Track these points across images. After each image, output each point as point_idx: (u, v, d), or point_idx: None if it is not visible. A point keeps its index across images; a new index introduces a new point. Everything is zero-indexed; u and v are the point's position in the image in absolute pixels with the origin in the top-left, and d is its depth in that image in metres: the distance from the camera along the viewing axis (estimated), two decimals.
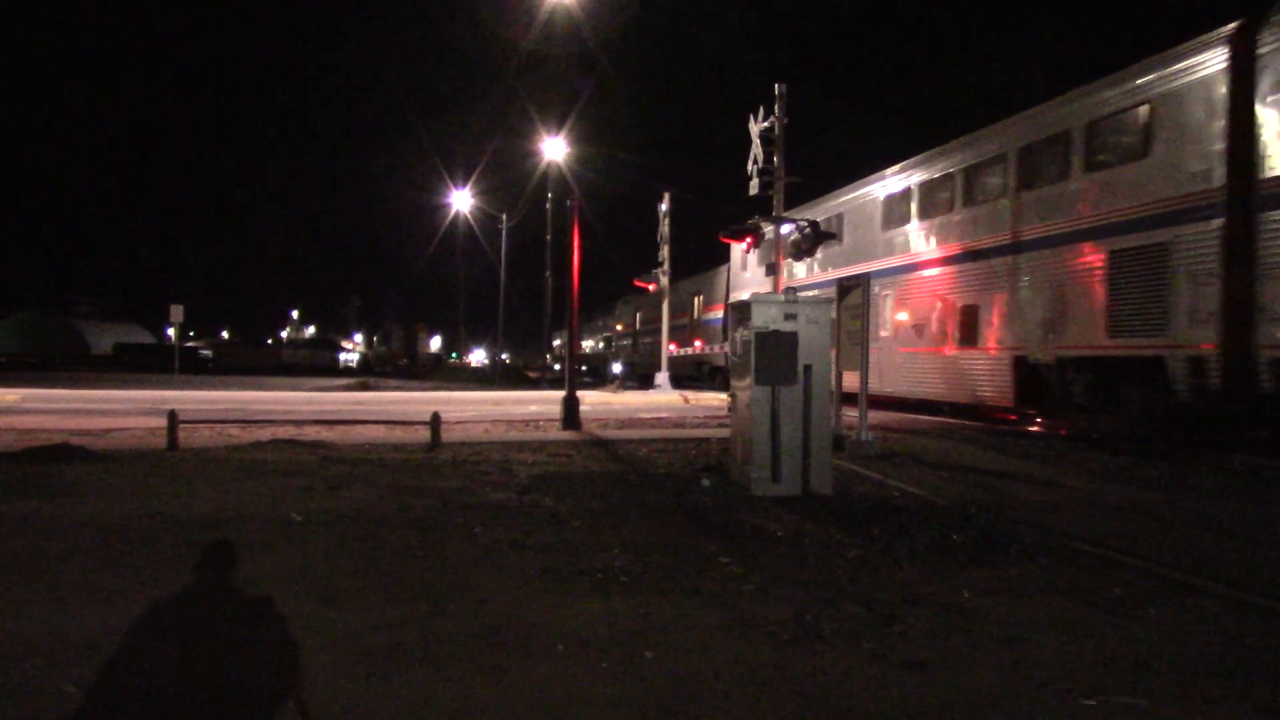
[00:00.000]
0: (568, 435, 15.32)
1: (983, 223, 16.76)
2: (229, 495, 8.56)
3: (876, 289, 18.53)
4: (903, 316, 19.24)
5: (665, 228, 35.13)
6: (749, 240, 19.64)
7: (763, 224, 19.44)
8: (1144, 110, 13.05)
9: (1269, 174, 11.16)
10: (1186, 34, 12.61)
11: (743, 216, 19.84)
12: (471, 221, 51.22)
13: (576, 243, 17.85)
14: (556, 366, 50.69)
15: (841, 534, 7.17)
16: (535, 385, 41.99)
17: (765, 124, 18.86)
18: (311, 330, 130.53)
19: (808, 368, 9.01)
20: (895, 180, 19.95)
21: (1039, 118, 15.51)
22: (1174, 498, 9.29)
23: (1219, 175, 11.64)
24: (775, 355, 8.95)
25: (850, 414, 13.47)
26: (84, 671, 4.05)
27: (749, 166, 19.20)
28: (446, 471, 10.39)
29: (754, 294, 11.57)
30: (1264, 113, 11.28)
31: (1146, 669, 4.23)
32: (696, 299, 37.63)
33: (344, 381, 41.94)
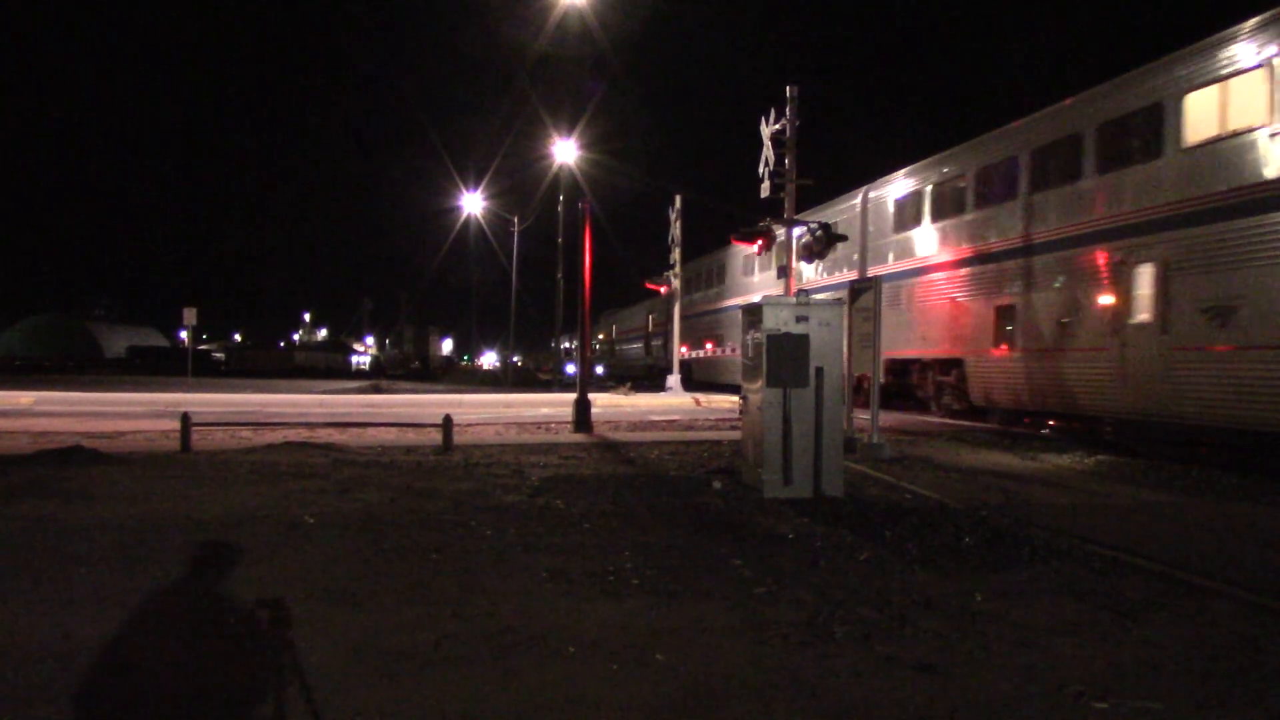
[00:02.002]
0: (579, 438, 15.33)
1: None
2: (241, 497, 8.60)
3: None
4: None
5: (676, 230, 35.08)
6: (760, 242, 19.60)
7: (774, 226, 19.40)
8: None
9: None
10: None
11: (754, 219, 19.80)
12: (484, 224, 51.33)
13: (588, 245, 17.87)
14: (570, 369, 51.13)
15: (853, 536, 7.15)
16: (547, 388, 42.03)
17: (776, 126, 18.82)
18: (324, 333, 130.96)
19: (819, 370, 9.00)
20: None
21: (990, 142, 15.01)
22: (1188, 500, 9.23)
23: None
24: (787, 358, 8.94)
25: (862, 416, 13.44)
26: (97, 673, 4.08)
27: (760, 169, 19.15)
28: (458, 474, 10.41)
29: (765, 296, 11.55)
30: None
31: (1160, 672, 4.20)
32: (614, 326, 55.38)
33: (356, 384, 42.08)
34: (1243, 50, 11.59)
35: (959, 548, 6.76)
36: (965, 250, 18.29)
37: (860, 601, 5.32)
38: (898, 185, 21.44)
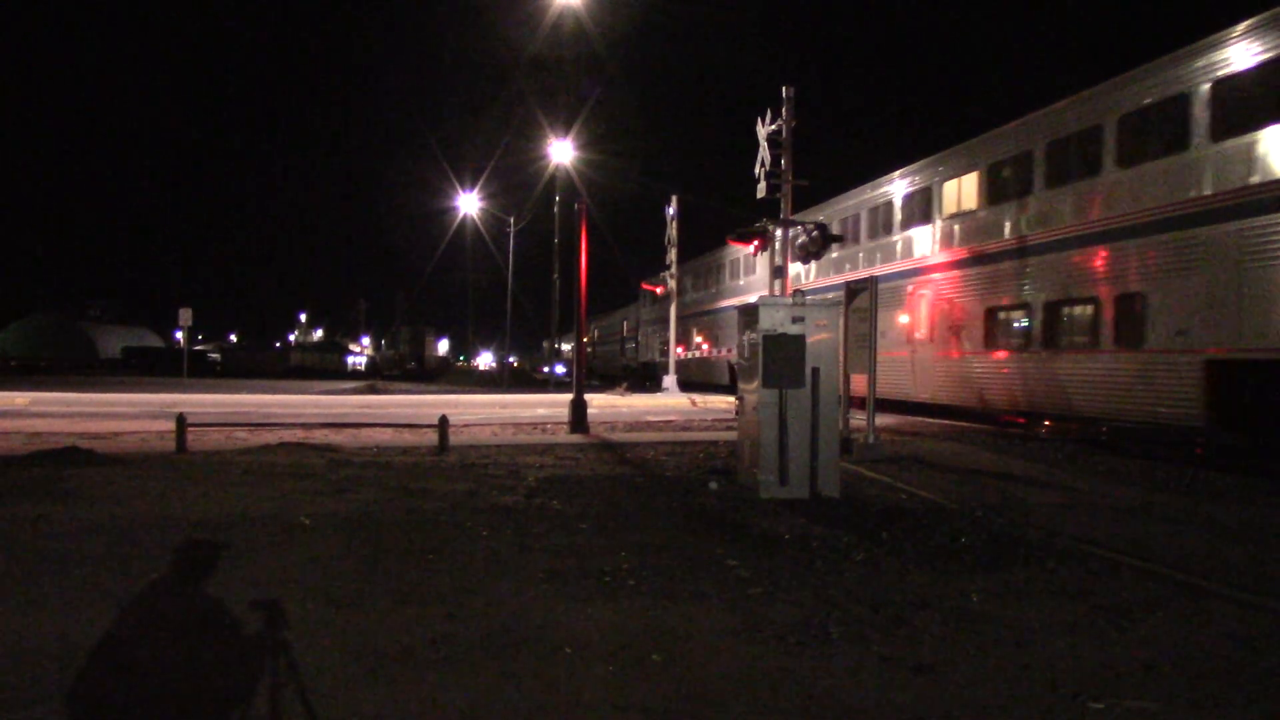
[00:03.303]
0: (575, 438, 15.33)
1: None
2: (237, 498, 8.59)
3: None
4: None
5: (672, 231, 35.10)
6: (757, 242, 19.62)
7: (770, 226, 19.42)
8: None
9: None
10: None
11: (750, 219, 19.82)
12: (479, 225, 51.35)
13: (584, 246, 17.86)
14: (559, 369, 51.41)
15: (849, 537, 7.16)
16: (543, 388, 42.02)
17: (773, 127, 18.84)
18: (319, 333, 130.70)
19: (815, 371, 9.00)
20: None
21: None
22: (1183, 500, 9.25)
23: None
24: (783, 358, 8.95)
25: (858, 417, 13.46)
26: (94, 674, 4.07)
27: (756, 170, 19.17)
28: (454, 474, 10.41)
29: (761, 297, 11.56)
30: None
31: (1155, 672, 4.21)
32: (595, 330, 63.99)
33: (352, 384, 42.03)
34: None
35: (955, 548, 6.77)
36: (894, 266, 20.40)
37: (856, 602, 5.32)
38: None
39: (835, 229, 21.47)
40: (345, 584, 5.61)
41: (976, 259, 17.45)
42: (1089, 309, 14.50)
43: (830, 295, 14.69)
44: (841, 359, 10.24)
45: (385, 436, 15.11)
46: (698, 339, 37.76)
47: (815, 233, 18.26)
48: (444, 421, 13.42)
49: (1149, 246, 13.03)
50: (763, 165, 19.00)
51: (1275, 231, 11.01)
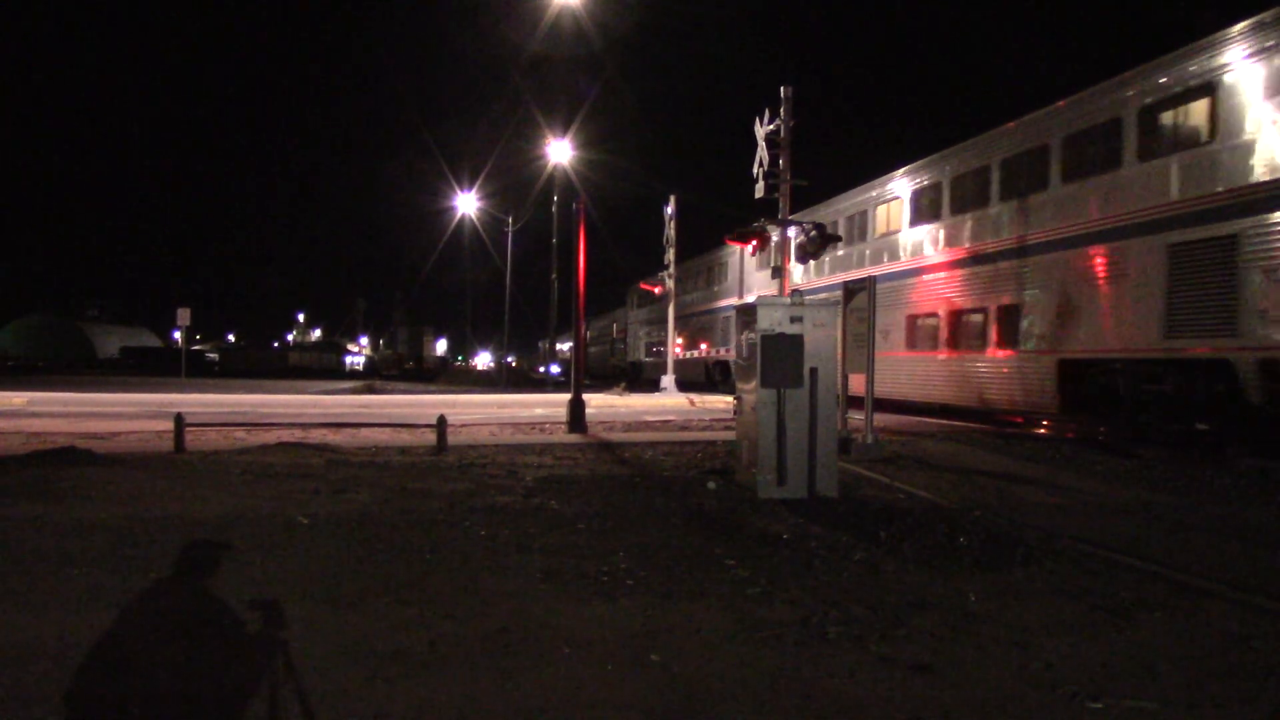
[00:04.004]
0: (574, 438, 15.32)
1: None
2: (235, 498, 8.58)
3: None
4: None
5: (671, 230, 35.10)
6: (755, 242, 19.63)
7: (768, 226, 19.43)
8: None
9: None
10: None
11: (748, 219, 19.85)
12: (478, 224, 51.30)
13: (582, 246, 17.85)
14: (554, 369, 51.69)
15: (847, 537, 7.16)
16: (541, 388, 42.02)
17: (771, 127, 18.85)
18: (318, 333, 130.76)
19: (813, 370, 9.00)
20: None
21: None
22: (1181, 500, 9.26)
23: None
24: (781, 358, 8.94)
25: (856, 417, 13.46)
26: (92, 673, 4.06)
27: (755, 170, 19.18)
28: (452, 474, 10.40)
29: (760, 296, 11.57)
30: None
31: (1154, 672, 4.21)
32: (587, 333, 62.37)
33: (350, 384, 41.99)
34: None
35: (953, 548, 6.77)
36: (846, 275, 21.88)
37: (854, 601, 5.32)
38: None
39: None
40: (343, 584, 5.61)
41: (898, 274, 21.00)
42: (979, 318, 18.02)
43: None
44: (840, 359, 10.25)
45: (383, 436, 15.10)
46: (679, 340, 38.32)
47: (813, 232, 18.28)
48: (442, 421, 13.42)
49: (1022, 267, 16.62)
50: (761, 165, 19.01)
51: (1095, 259, 14.59)
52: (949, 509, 8.47)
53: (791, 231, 19.62)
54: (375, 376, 62.01)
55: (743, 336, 9.67)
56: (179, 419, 12.83)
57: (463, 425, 16.96)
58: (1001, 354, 17.01)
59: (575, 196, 18.76)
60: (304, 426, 16.10)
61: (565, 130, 29.59)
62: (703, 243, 38.40)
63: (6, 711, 3.65)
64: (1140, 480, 10.61)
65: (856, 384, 13.41)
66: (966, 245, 18.35)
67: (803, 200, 24.30)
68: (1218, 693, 3.97)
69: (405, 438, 14.79)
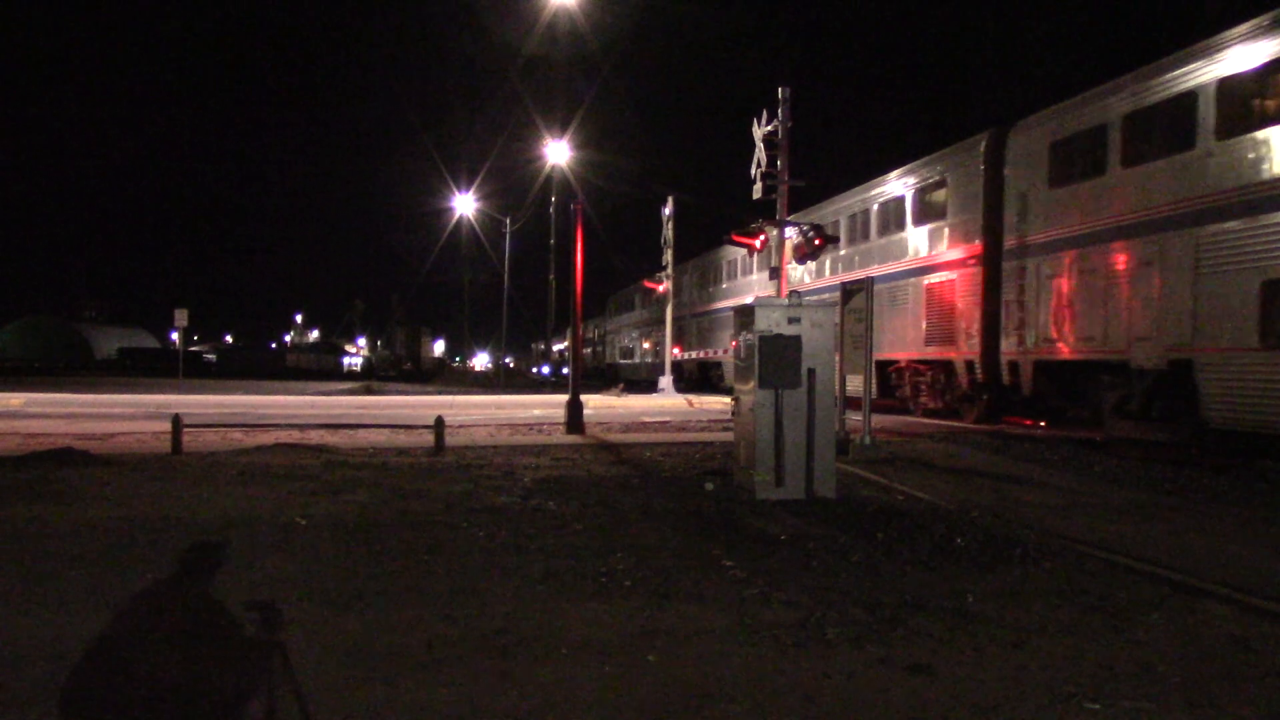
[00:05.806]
0: (571, 439, 15.32)
1: None
2: (233, 499, 8.57)
3: None
4: None
5: (669, 231, 35.10)
6: (763, 239, 19.64)
7: (767, 227, 19.42)
8: None
9: None
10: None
11: (746, 219, 19.84)
12: (475, 225, 51.35)
13: (580, 246, 17.83)
14: (545, 369, 52.06)
15: (845, 537, 7.16)
16: (539, 389, 42.01)
17: (769, 128, 18.83)
18: (315, 334, 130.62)
19: (811, 371, 9.00)
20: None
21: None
22: (1179, 501, 9.26)
23: None
24: (779, 359, 8.94)
25: (854, 418, 13.46)
26: (90, 674, 4.05)
27: (752, 170, 19.17)
28: (450, 475, 10.39)
29: (758, 297, 11.58)
30: None
31: (1152, 673, 4.21)
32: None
33: (348, 385, 41.98)
34: None
35: (951, 549, 6.77)
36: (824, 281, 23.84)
37: (852, 602, 5.32)
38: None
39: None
40: (341, 585, 5.60)
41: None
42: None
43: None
44: (838, 360, 10.25)
45: (381, 437, 15.09)
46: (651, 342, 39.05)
47: (811, 233, 18.28)
48: (440, 422, 13.41)
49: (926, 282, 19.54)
50: (759, 166, 19.00)
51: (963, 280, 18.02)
52: (947, 510, 8.47)
53: (790, 232, 19.62)
54: (372, 377, 61.95)
55: (741, 337, 9.67)
56: (176, 420, 12.81)
57: (460, 426, 16.95)
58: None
59: (573, 197, 18.76)
60: (302, 427, 16.08)
61: (563, 131, 29.64)
62: (702, 243, 38.42)
63: (4, 712, 3.64)
64: (1139, 481, 10.61)
65: (854, 385, 13.44)
66: (891, 260, 20.66)
67: (803, 200, 24.48)
68: (1216, 694, 3.97)
69: (403, 439, 14.78)
